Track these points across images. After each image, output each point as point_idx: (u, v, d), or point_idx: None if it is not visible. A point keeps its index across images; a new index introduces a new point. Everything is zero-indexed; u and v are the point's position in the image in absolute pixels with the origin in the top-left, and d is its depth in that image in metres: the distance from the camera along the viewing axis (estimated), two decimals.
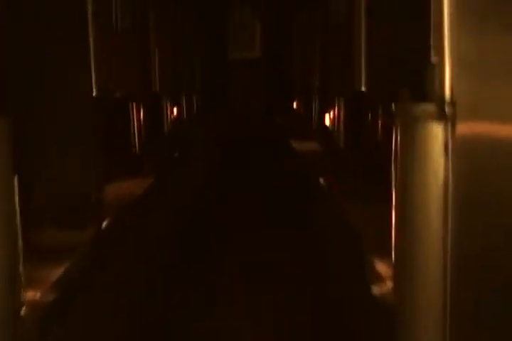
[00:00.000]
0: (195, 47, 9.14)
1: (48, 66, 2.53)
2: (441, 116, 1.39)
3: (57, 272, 1.97)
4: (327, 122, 5.46)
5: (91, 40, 2.93)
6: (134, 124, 4.51)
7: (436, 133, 1.39)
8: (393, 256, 1.59)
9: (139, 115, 4.64)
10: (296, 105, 8.61)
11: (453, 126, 1.38)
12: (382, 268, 1.91)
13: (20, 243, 1.62)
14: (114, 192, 3.27)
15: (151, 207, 3.65)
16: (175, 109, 7.02)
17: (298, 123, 7.60)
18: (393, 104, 1.58)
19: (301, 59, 7.75)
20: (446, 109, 1.39)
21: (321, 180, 4.03)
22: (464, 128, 1.38)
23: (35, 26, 2.42)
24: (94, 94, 2.93)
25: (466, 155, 1.39)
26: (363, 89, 2.91)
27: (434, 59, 1.47)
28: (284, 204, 4.53)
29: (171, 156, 5.51)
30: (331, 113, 5.17)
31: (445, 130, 1.38)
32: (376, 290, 1.90)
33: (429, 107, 1.41)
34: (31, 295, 1.78)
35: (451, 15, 1.43)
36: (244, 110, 9.93)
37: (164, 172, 4.50)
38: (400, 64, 2.96)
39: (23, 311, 1.63)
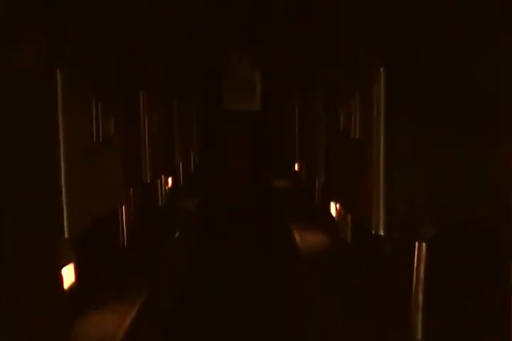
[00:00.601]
0: (191, 103, 8.78)
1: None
2: None
3: None
4: (332, 209, 5.04)
5: (62, 163, 2.50)
6: (121, 216, 4.09)
7: None
8: None
9: (128, 204, 4.24)
10: (298, 167, 8.19)
11: None
12: None
13: None
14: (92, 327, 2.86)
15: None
16: (170, 180, 6.63)
17: (298, 190, 7.19)
18: None
19: (303, 123, 7.34)
20: None
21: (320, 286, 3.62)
22: None
23: None
24: (66, 236, 2.51)
25: None
26: (381, 233, 2.50)
27: None
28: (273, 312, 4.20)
29: (169, 238, 5.09)
30: (338, 204, 4.75)
31: None
32: None
33: None
34: None
35: None
36: (240, 171, 9.51)
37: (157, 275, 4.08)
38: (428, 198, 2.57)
39: None
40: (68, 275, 2.87)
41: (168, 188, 6.53)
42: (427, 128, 2.51)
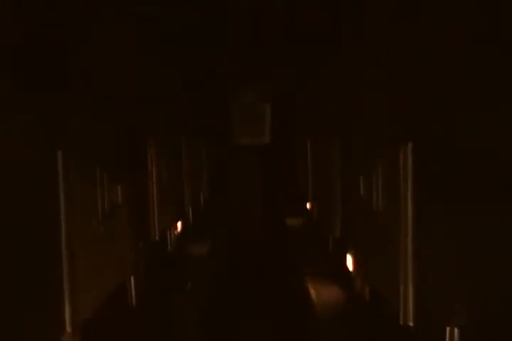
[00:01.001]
0: (200, 140, 8.61)
1: None
2: None
3: None
4: (348, 262, 4.82)
5: (64, 250, 2.31)
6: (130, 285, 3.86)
7: None
8: None
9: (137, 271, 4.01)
10: (310, 206, 7.96)
11: None
12: None
13: None
14: None
15: None
16: (179, 224, 6.43)
17: (311, 231, 6.98)
18: None
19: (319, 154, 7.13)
20: None
21: None
22: None
23: None
24: (68, 331, 2.31)
25: None
26: (411, 324, 2.29)
27: None
28: None
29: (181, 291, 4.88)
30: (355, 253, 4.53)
31: None
32: None
33: None
34: None
35: None
36: (249, 209, 9.24)
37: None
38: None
39: None
40: None
41: (178, 233, 6.33)
42: (459, 207, 2.31)
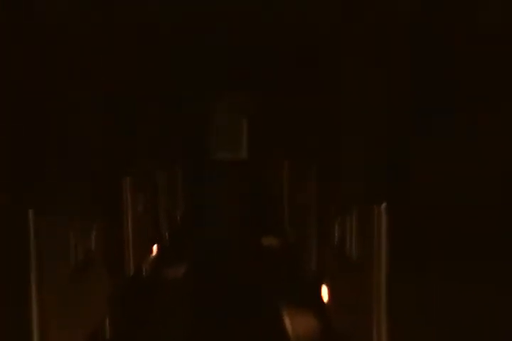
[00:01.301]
0: (176, 157, 8.59)
1: None
2: None
3: None
4: (324, 291, 4.83)
5: (34, 300, 2.29)
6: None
7: None
8: None
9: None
10: (286, 228, 7.95)
11: None
12: None
13: None
14: None
15: None
16: (154, 247, 6.40)
17: (287, 254, 6.98)
18: None
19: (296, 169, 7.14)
20: None
21: None
22: None
23: None
24: None
25: None
26: None
27: None
28: None
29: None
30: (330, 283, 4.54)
31: None
32: None
33: None
34: None
35: None
36: (225, 229, 9.16)
37: None
38: None
39: None
40: None
41: (153, 256, 6.30)
42: (432, 273, 2.31)
